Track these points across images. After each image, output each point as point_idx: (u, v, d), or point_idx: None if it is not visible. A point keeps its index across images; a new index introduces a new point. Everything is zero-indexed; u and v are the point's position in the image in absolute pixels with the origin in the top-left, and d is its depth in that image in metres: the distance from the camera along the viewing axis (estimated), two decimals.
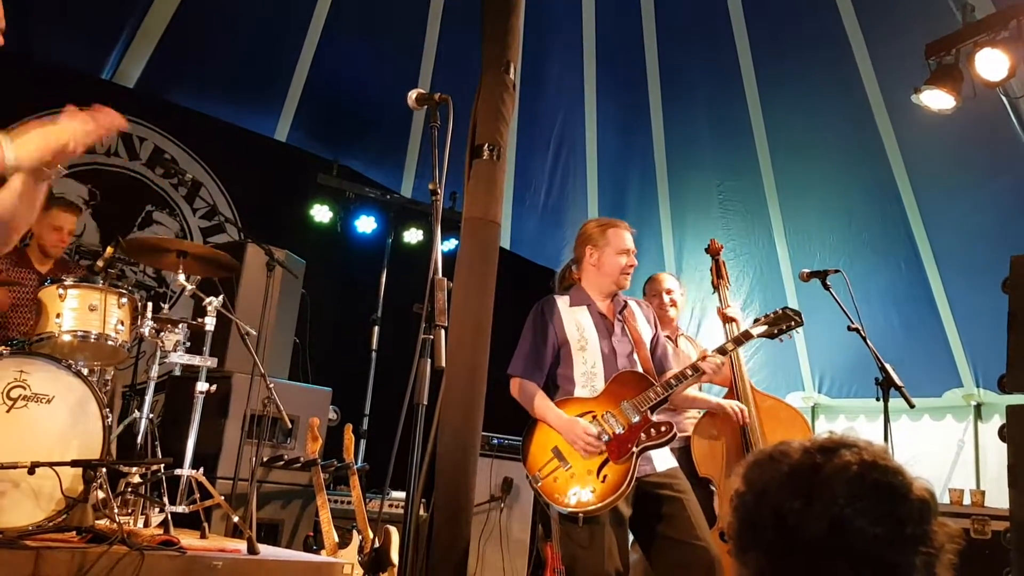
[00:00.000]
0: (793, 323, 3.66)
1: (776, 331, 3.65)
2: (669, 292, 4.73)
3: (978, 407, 6.60)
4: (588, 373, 3.49)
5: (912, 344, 6.53)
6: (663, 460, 3.47)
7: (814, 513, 1.16)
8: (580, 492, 3.26)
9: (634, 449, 3.31)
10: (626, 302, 3.71)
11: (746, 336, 3.64)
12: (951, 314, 6.50)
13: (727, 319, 4.50)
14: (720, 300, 4.63)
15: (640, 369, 3.55)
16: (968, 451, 6.59)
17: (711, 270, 4.76)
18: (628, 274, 3.63)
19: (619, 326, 3.60)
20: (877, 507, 1.15)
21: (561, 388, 3.52)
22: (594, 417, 3.38)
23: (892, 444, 4.10)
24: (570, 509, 3.24)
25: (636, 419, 3.35)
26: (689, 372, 3.45)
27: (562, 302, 3.61)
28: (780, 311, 3.70)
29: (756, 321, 3.70)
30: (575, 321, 3.56)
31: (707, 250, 4.82)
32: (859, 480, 1.17)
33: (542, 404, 3.45)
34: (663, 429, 3.35)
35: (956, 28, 5.20)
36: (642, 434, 3.34)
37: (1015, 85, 5.21)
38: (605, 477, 3.27)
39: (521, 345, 3.57)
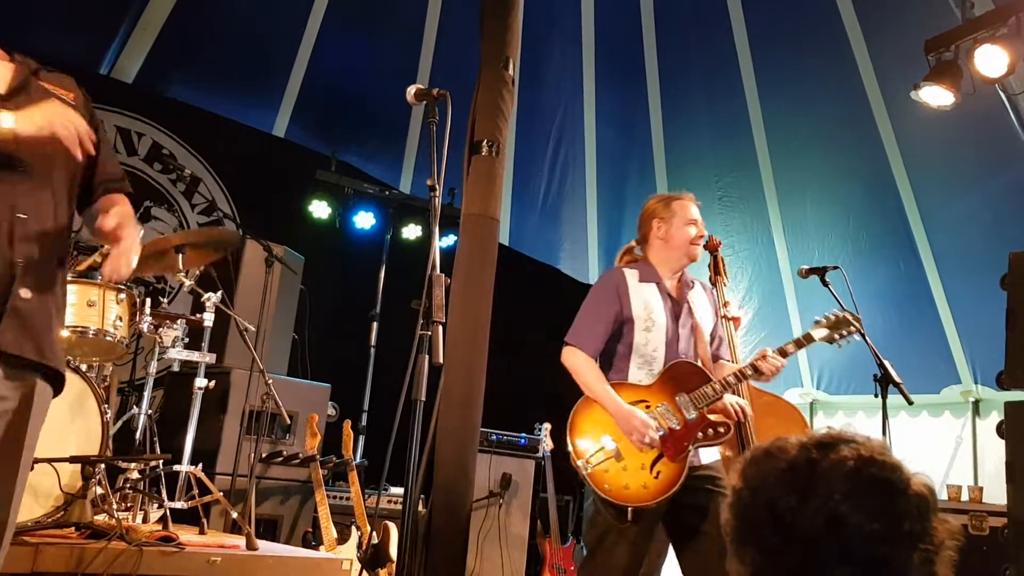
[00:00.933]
0: (853, 328, 3.52)
1: (837, 336, 3.51)
2: None
3: (976, 404, 6.60)
4: (648, 356, 3.38)
5: (910, 341, 6.54)
6: (707, 452, 3.39)
7: (810, 509, 1.14)
8: (632, 487, 3.18)
9: (690, 448, 3.22)
10: (693, 283, 3.60)
11: (807, 339, 3.50)
12: (949, 311, 6.50)
13: (725, 319, 4.48)
14: (718, 298, 4.61)
15: (698, 360, 3.46)
16: (966, 447, 6.60)
17: (709, 266, 4.73)
18: (698, 245, 3.50)
19: (685, 309, 3.49)
20: (874, 503, 1.14)
21: (615, 366, 3.41)
22: (648, 407, 3.28)
23: (890, 440, 4.11)
24: (621, 503, 3.17)
25: (693, 416, 3.26)
26: (748, 372, 3.37)
27: (631, 276, 3.48)
28: (841, 314, 3.54)
29: (816, 323, 3.54)
30: (643, 299, 3.42)
31: (705, 246, 4.79)
32: (856, 475, 1.16)
33: (599, 385, 3.30)
34: (721, 430, 3.28)
35: (956, 24, 5.20)
36: (700, 433, 3.25)
37: (1014, 82, 5.21)
38: (659, 474, 3.19)
39: (582, 316, 3.45)
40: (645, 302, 3.42)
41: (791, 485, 1.18)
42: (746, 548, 1.22)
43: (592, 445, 3.26)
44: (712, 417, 3.30)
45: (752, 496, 1.22)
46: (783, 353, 3.43)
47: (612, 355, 3.42)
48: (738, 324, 4.45)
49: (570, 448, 3.29)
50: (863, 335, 4.16)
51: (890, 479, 1.16)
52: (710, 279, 4.68)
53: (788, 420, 4.39)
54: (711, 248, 4.73)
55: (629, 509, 3.17)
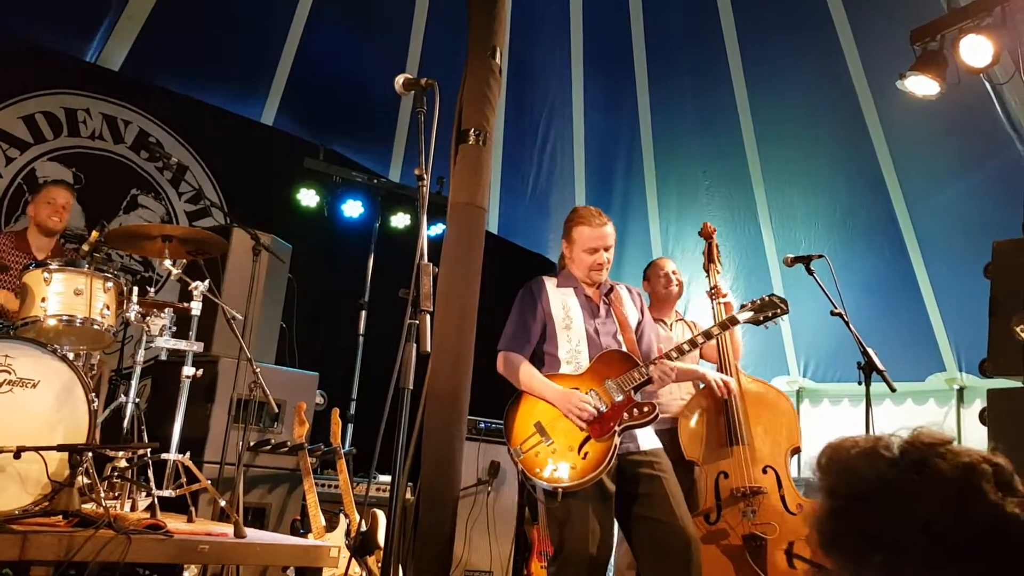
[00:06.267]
0: (779, 310, 3.71)
1: (762, 317, 3.71)
2: (675, 273, 4.86)
3: (960, 391, 6.65)
4: (573, 351, 3.56)
5: (896, 329, 6.57)
6: (647, 439, 3.52)
7: (969, 522, 1.11)
8: (560, 468, 3.31)
9: (616, 428, 3.36)
10: (613, 286, 3.76)
11: (732, 321, 3.73)
12: (934, 299, 6.55)
13: (718, 303, 4.59)
14: (710, 283, 4.69)
15: (625, 349, 3.59)
16: (950, 435, 6.66)
17: (703, 253, 4.83)
18: (597, 271, 3.66)
19: (604, 308, 3.67)
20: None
21: (547, 365, 3.59)
22: None
23: (873, 428, 4.15)
24: (550, 484, 3.29)
25: (619, 398, 3.41)
26: (674, 355, 3.51)
27: (550, 283, 3.70)
28: (767, 298, 3.75)
29: (743, 307, 3.76)
30: (561, 301, 3.63)
31: (700, 233, 4.89)
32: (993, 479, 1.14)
33: (530, 376, 3.52)
34: (645, 410, 3.41)
35: (941, 14, 5.23)
36: (624, 413, 3.39)
37: (999, 72, 5.23)
38: (586, 454, 3.32)
39: (509, 323, 3.65)
40: (563, 303, 3.64)
41: (935, 488, 1.14)
42: (873, 553, 1.16)
43: (524, 431, 3.43)
44: (636, 397, 3.44)
45: (892, 502, 1.16)
46: (708, 336, 3.67)
47: (543, 357, 3.62)
48: (730, 308, 4.55)
49: (505, 439, 3.48)
50: (846, 322, 4.21)
51: (1015, 485, 1.15)
52: (704, 266, 4.77)
53: (776, 409, 4.43)
54: (705, 235, 4.83)
55: (559, 490, 3.28)
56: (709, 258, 4.79)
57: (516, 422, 3.47)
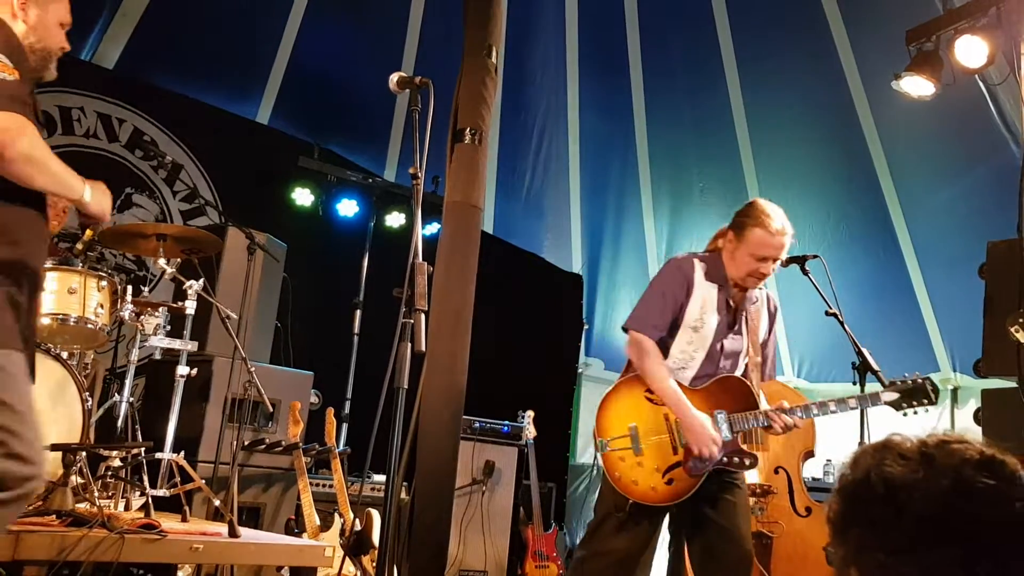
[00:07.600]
0: (928, 401, 3.27)
1: (906, 404, 3.29)
2: None
3: (955, 391, 6.66)
4: (688, 355, 3.33)
5: (890, 330, 6.59)
6: None
7: (930, 487, 1.15)
8: (640, 483, 3.19)
9: (709, 468, 3.19)
10: (758, 299, 3.48)
11: (873, 399, 3.32)
12: (928, 299, 6.56)
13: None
14: None
15: (741, 373, 3.38)
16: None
17: None
18: (757, 279, 3.35)
19: (740, 322, 3.40)
20: (994, 493, 1.14)
21: None
22: None
23: (868, 428, 4.15)
24: (625, 492, 3.19)
25: (727, 436, 3.21)
26: (800, 413, 3.24)
27: (699, 269, 3.38)
28: (920, 380, 3.30)
29: (891, 384, 3.33)
30: (702, 297, 3.34)
31: None
32: (980, 464, 1.16)
33: (664, 378, 3.23)
34: (747, 463, 3.24)
35: (936, 15, 5.24)
36: (724, 457, 3.20)
37: (993, 72, 5.24)
38: (671, 481, 3.19)
39: (649, 302, 3.37)
40: (703, 300, 3.34)
41: (911, 466, 1.18)
42: (851, 529, 1.21)
43: (618, 428, 3.26)
44: (743, 445, 3.26)
45: (866, 477, 1.21)
46: (843, 404, 3.28)
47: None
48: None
49: (595, 423, 3.30)
50: (840, 322, 4.20)
51: (1013, 474, 1.17)
52: None
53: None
54: None
55: (629, 503, 3.18)
56: None
57: (612, 415, 3.29)
